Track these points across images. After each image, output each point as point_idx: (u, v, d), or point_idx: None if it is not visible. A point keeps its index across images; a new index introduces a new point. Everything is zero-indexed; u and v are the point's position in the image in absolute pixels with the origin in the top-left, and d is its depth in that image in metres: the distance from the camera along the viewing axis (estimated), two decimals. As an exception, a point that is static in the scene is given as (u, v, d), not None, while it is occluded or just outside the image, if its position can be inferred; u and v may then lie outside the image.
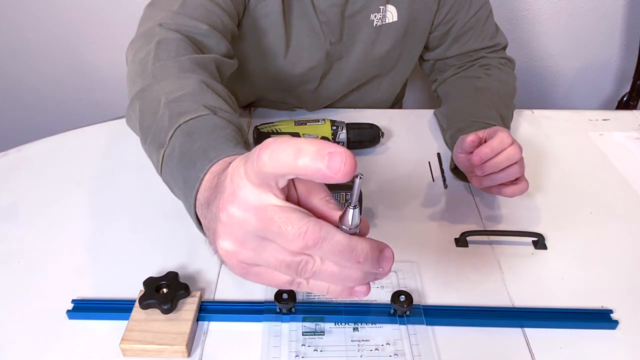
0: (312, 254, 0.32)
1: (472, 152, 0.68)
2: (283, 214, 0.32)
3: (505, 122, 0.82)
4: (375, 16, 0.86)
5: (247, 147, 0.46)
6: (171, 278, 0.58)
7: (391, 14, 0.86)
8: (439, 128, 0.91)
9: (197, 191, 0.41)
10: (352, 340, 0.56)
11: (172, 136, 0.48)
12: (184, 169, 0.44)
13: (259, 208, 0.32)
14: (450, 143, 0.81)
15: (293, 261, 0.33)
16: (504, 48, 0.97)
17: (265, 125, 0.82)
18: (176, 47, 0.61)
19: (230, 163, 0.36)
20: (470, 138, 0.67)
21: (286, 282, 0.35)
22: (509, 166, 0.66)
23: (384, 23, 0.87)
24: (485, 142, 0.68)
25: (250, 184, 0.32)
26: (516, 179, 0.68)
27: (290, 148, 0.29)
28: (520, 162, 0.67)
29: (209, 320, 0.58)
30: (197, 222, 0.42)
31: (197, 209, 0.41)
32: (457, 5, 0.90)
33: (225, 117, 0.51)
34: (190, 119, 0.48)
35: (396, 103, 1.09)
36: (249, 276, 0.37)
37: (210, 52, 0.67)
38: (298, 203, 0.35)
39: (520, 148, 0.67)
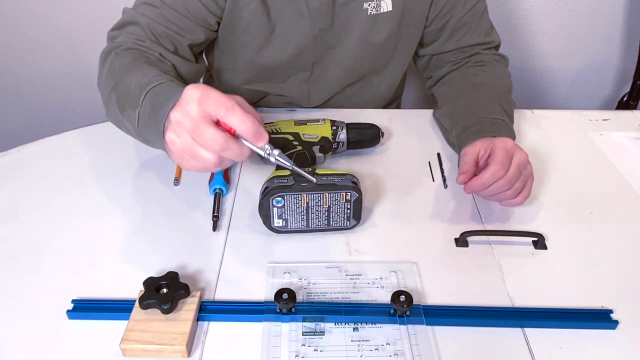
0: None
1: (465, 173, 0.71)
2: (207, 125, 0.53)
3: (509, 114, 0.82)
4: (369, 4, 0.86)
5: None
6: (171, 278, 0.58)
7: (386, 3, 0.87)
8: (440, 129, 0.91)
9: (167, 116, 0.58)
10: (352, 340, 0.56)
11: (143, 99, 0.63)
12: (154, 113, 0.61)
13: (193, 119, 0.53)
14: (457, 142, 0.81)
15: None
16: (498, 47, 0.97)
17: (265, 125, 0.81)
18: (133, 56, 0.75)
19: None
20: (460, 179, 0.71)
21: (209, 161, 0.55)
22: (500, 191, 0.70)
23: (378, 12, 0.87)
24: (488, 156, 0.71)
25: (197, 105, 0.53)
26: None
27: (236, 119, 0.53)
28: (510, 182, 0.68)
29: (209, 320, 0.58)
30: (163, 141, 0.59)
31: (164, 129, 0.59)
32: None
33: (182, 84, 0.64)
34: (157, 85, 0.64)
35: (395, 100, 1.09)
36: (182, 161, 0.56)
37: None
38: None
39: (518, 169, 0.69)
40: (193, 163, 0.56)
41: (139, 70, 0.70)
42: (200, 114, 0.53)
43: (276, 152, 0.57)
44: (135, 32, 0.78)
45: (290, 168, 0.59)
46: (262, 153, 0.56)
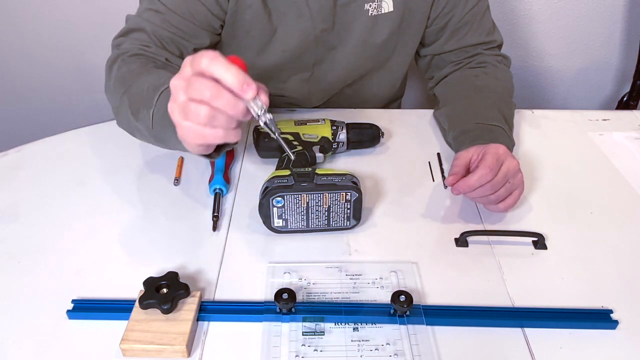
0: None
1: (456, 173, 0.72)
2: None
3: (508, 120, 0.82)
4: (370, 5, 0.86)
5: None
6: (171, 278, 0.58)
7: (387, 4, 0.87)
8: (439, 129, 0.91)
9: None
10: (352, 340, 0.56)
11: (157, 99, 0.63)
12: (167, 112, 0.58)
13: (186, 77, 0.52)
14: (454, 145, 0.81)
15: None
16: (500, 46, 0.97)
17: (265, 125, 0.82)
18: (140, 62, 0.75)
19: None
20: (449, 180, 0.70)
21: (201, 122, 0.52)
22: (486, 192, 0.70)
23: (380, 13, 0.87)
24: (480, 160, 0.71)
25: (189, 66, 0.52)
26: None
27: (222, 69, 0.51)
28: (494, 188, 0.69)
29: (209, 320, 0.58)
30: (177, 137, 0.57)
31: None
32: None
33: None
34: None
35: (395, 100, 1.09)
36: (182, 131, 0.54)
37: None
38: None
39: (504, 176, 0.69)
40: (190, 128, 0.52)
41: (149, 74, 0.70)
42: (192, 72, 0.52)
43: (269, 115, 0.54)
44: (141, 38, 0.78)
45: (275, 137, 0.56)
46: (253, 110, 0.53)
